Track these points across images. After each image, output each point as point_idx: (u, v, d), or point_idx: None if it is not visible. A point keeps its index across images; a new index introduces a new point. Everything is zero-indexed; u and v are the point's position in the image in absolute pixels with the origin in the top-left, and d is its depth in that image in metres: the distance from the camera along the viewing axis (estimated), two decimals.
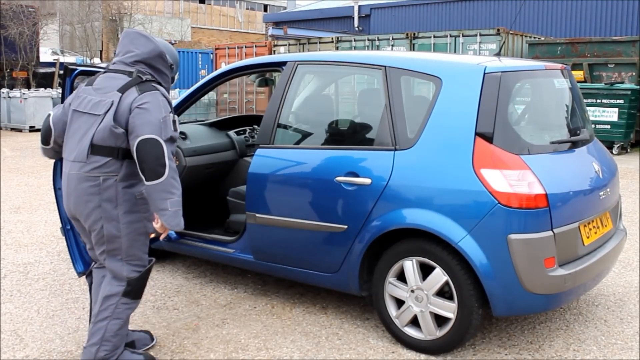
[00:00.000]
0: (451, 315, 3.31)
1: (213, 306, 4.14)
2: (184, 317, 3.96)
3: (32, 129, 16.93)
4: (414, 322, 3.47)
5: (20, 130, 17.08)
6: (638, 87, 12.24)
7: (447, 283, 3.30)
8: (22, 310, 4.07)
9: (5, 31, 22.60)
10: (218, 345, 3.57)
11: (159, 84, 3.13)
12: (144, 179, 2.87)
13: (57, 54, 30.04)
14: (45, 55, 28.10)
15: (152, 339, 3.59)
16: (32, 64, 24.27)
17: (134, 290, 3.13)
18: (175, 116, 3.02)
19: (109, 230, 3.02)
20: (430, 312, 3.37)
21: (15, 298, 4.28)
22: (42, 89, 19.55)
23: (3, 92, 17.88)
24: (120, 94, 2.96)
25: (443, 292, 3.36)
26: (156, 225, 3.01)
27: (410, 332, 3.48)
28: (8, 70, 23.30)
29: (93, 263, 3.36)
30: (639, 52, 12.60)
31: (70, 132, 3.08)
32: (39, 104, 17.11)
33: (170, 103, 3.05)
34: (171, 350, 3.50)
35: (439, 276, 3.31)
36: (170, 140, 2.94)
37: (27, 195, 7.91)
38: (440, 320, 3.39)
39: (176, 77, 3.39)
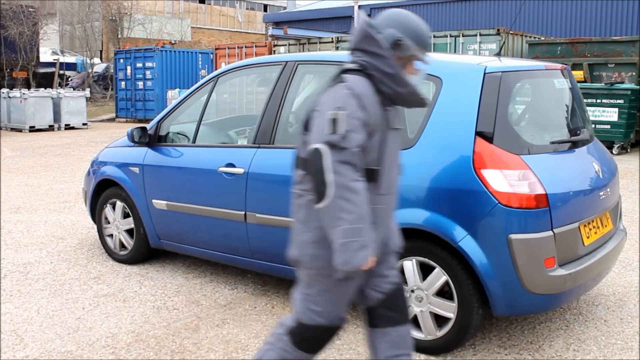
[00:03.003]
0: (451, 315, 3.31)
1: (213, 306, 4.14)
2: (184, 317, 3.96)
3: (32, 129, 16.94)
4: (414, 322, 3.46)
5: (20, 130, 17.07)
6: (638, 87, 12.24)
7: (447, 283, 3.30)
8: (22, 310, 4.07)
9: (5, 31, 22.64)
10: (218, 345, 3.57)
11: (368, 73, 2.40)
12: None
13: (57, 54, 30.05)
14: (45, 55, 28.14)
15: None
16: (32, 64, 24.31)
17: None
18: (345, 113, 2.26)
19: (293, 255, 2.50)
20: (430, 312, 3.37)
21: (15, 298, 4.28)
22: (42, 89, 19.55)
23: (3, 92, 17.89)
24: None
25: (443, 292, 3.35)
26: None
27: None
28: (8, 70, 23.35)
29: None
30: (639, 52, 12.59)
31: None
32: (38, 104, 17.11)
33: (358, 96, 2.30)
34: (171, 350, 3.50)
35: (439, 276, 3.31)
36: (331, 145, 2.24)
37: (27, 195, 7.91)
38: (440, 320, 3.39)
39: (419, 54, 2.46)
